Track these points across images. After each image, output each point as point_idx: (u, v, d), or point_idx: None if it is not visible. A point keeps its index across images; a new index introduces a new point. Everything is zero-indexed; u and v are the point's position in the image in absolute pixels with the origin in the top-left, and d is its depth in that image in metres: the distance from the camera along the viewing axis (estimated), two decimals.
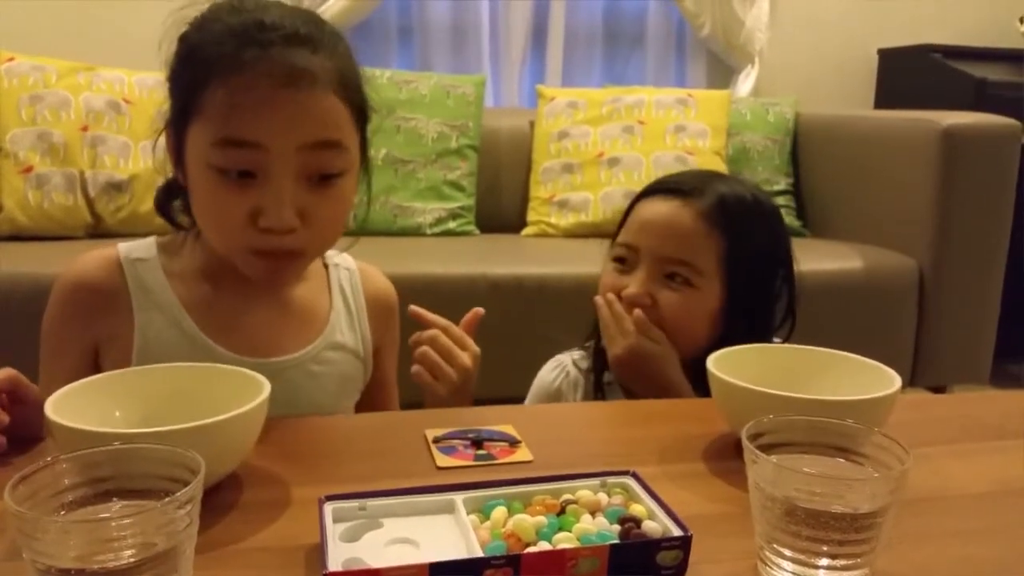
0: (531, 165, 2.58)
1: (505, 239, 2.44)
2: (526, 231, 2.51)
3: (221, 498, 0.64)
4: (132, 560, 0.45)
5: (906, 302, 2.20)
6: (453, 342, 0.96)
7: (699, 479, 0.72)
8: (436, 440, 0.78)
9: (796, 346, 0.86)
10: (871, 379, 0.75)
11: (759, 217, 1.08)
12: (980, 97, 2.70)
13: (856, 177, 2.47)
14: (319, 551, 0.55)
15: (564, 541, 0.55)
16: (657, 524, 0.57)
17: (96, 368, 0.90)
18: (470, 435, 0.79)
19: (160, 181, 0.95)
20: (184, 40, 0.85)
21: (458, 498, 0.60)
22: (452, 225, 2.42)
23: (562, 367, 1.19)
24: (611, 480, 0.64)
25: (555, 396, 1.17)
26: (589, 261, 2.05)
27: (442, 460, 0.73)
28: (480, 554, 0.53)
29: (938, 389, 2.31)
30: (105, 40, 2.49)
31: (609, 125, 2.55)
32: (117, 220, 2.13)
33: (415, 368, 0.96)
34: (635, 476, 0.64)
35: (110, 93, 2.19)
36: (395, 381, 1.09)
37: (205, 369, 0.75)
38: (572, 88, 2.88)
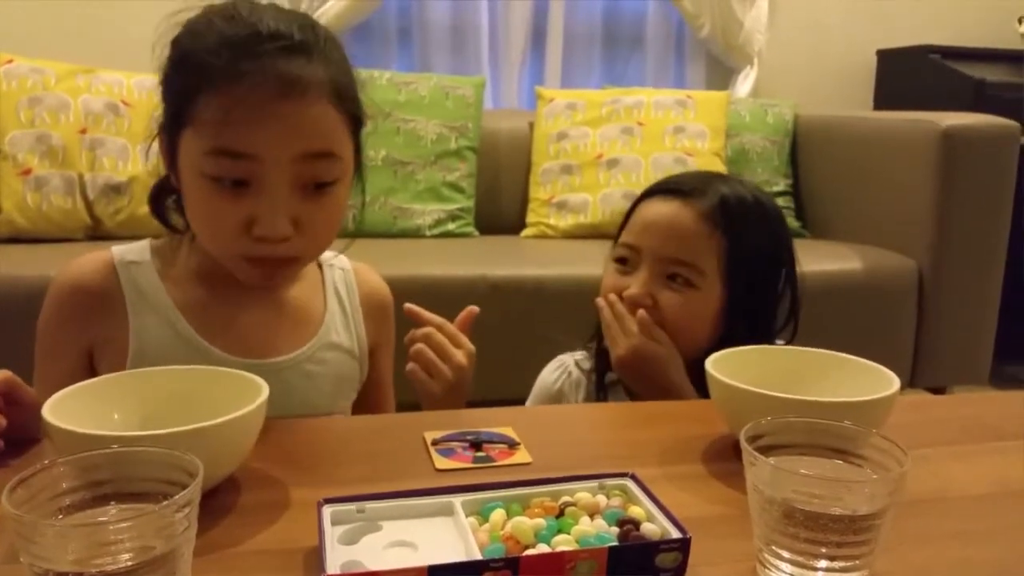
0: (530, 166, 2.58)
1: (504, 240, 2.44)
2: (525, 232, 2.51)
3: (219, 501, 0.64)
4: (130, 563, 0.45)
5: (905, 303, 2.20)
6: (448, 340, 0.96)
7: (698, 481, 0.72)
8: (435, 442, 0.77)
9: (795, 347, 0.86)
10: (870, 380, 0.75)
11: (760, 218, 1.08)
12: (979, 98, 2.70)
13: (855, 178, 2.47)
14: (318, 554, 0.55)
15: (563, 543, 0.55)
16: (656, 526, 0.57)
17: (91, 371, 0.90)
18: (469, 437, 0.79)
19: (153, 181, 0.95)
20: (177, 44, 0.85)
21: (457, 500, 0.60)
22: (451, 227, 2.42)
23: (564, 367, 1.19)
24: (610, 482, 0.63)
25: (557, 397, 1.17)
26: (588, 262, 2.07)
27: (441, 462, 0.73)
28: (479, 556, 0.53)
29: (937, 390, 2.30)
30: (104, 42, 2.49)
31: (608, 126, 2.55)
32: (116, 222, 2.12)
33: (410, 366, 0.95)
34: (634, 478, 0.64)
35: (109, 95, 2.19)
36: (391, 380, 1.09)
37: (203, 371, 0.74)
38: (571, 89, 2.89)
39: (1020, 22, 3.08)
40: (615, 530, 0.57)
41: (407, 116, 2.43)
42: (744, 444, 0.55)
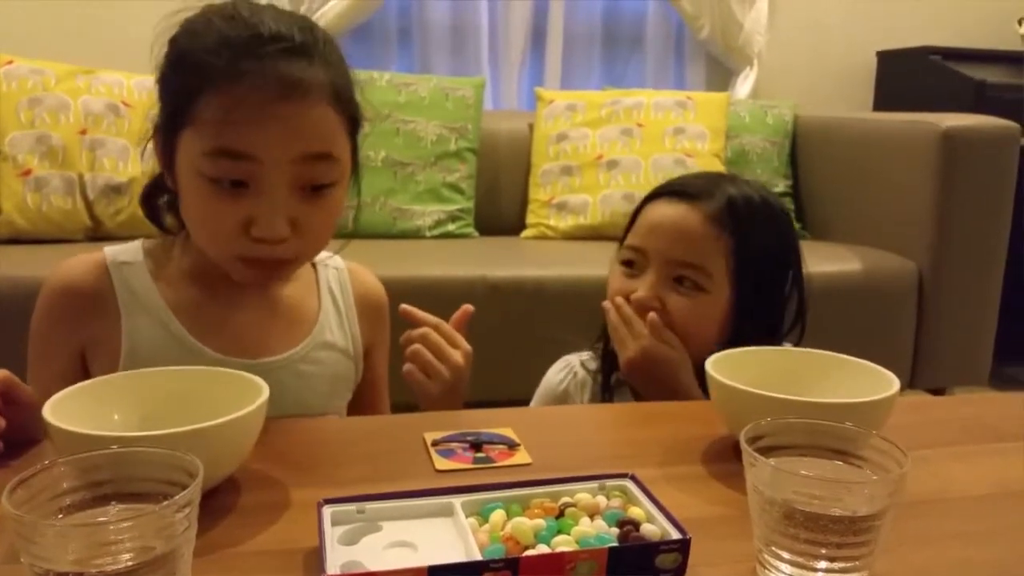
0: (530, 167, 2.58)
1: (504, 241, 2.44)
2: (525, 233, 2.51)
3: (219, 501, 0.64)
4: (130, 564, 0.45)
5: (905, 304, 2.21)
6: (444, 340, 0.96)
7: (698, 482, 0.72)
8: (435, 443, 0.77)
9: (795, 348, 0.87)
10: (870, 381, 0.75)
11: (768, 218, 1.07)
12: (979, 99, 2.70)
13: (855, 179, 2.47)
14: (318, 554, 0.55)
15: (563, 544, 0.55)
16: (656, 527, 0.57)
17: (84, 372, 0.90)
18: (469, 438, 0.79)
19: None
20: (175, 44, 0.85)
21: (456, 501, 0.60)
22: (451, 227, 2.43)
23: (570, 368, 1.18)
24: (610, 483, 0.63)
25: (562, 397, 1.17)
26: (588, 263, 2.08)
27: (441, 463, 0.73)
28: (479, 557, 0.53)
29: (937, 391, 2.30)
30: (104, 43, 2.49)
31: (608, 127, 2.55)
32: (116, 223, 2.12)
33: (407, 367, 0.95)
34: (634, 479, 0.64)
35: (109, 96, 2.19)
36: (386, 380, 1.09)
37: (203, 372, 0.75)
38: (571, 91, 2.89)
39: (1020, 23, 3.08)
40: (615, 531, 0.57)
41: (407, 117, 2.43)
42: (744, 445, 0.55)
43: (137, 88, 2.22)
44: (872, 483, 0.56)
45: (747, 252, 1.03)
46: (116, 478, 0.52)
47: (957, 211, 2.16)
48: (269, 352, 0.92)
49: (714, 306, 1.04)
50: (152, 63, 0.86)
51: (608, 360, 1.12)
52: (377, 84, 2.43)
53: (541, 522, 0.57)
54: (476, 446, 0.77)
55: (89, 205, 2.11)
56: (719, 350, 0.83)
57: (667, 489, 0.67)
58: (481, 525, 0.58)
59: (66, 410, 0.63)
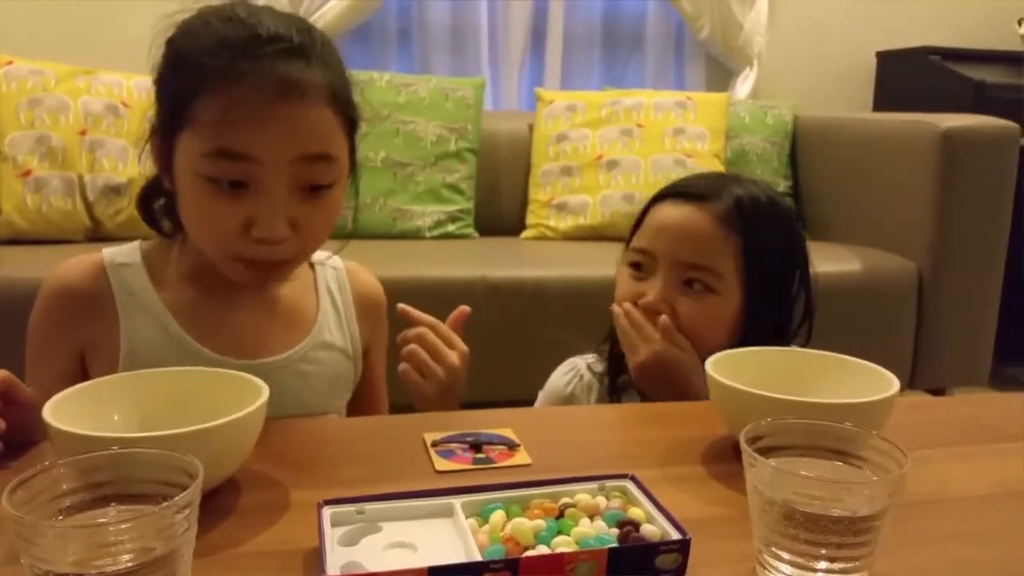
0: (530, 168, 2.58)
1: (504, 242, 2.44)
2: (525, 234, 2.51)
3: (219, 502, 0.64)
4: (130, 564, 0.45)
5: (905, 304, 2.21)
6: (441, 340, 0.96)
7: (698, 482, 0.72)
8: (435, 444, 0.77)
9: (794, 349, 0.87)
10: (869, 382, 0.75)
11: (774, 218, 1.07)
12: (979, 99, 2.70)
13: (855, 180, 2.47)
14: (318, 555, 0.55)
15: (562, 545, 0.55)
16: (655, 527, 0.57)
17: (83, 373, 0.90)
18: (469, 438, 0.79)
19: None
20: (172, 45, 0.85)
21: (456, 502, 0.60)
22: (451, 228, 2.43)
23: (576, 371, 1.18)
24: (609, 483, 0.63)
25: (568, 400, 1.16)
26: (588, 264, 2.08)
27: (440, 464, 0.73)
28: (478, 558, 0.53)
29: (937, 391, 2.31)
30: (104, 44, 2.49)
31: (608, 128, 2.55)
32: (116, 224, 2.13)
33: (402, 367, 0.95)
34: (633, 479, 0.64)
35: (109, 97, 2.19)
36: (384, 380, 1.09)
37: (203, 373, 0.75)
38: (571, 91, 2.89)
39: (1020, 23, 3.08)
40: (615, 531, 0.57)
41: (407, 118, 2.43)
42: (744, 445, 0.55)
43: (137, 89, 2.23)
44: (872, 483, 0.56)
45: (755, 252, 1.03)
46: (116, 479, 0.52)
47: (957, 211, 2.16)
48: (268, 353, 0.92)
49: (724, 308, 1.03)
50: (150, 64, 0.86)
51: (614, 363, 1.12)
52: (377, 85, 2.43)
53: (541, 523, 0.57)
54: (476, 447, 0.77)
55: (89, 206, 2.11)
56: None
57: (667, 490, 0.67)
58: (481, 526, 0.58)
59: (66, 411, 0.63)
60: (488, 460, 0.75)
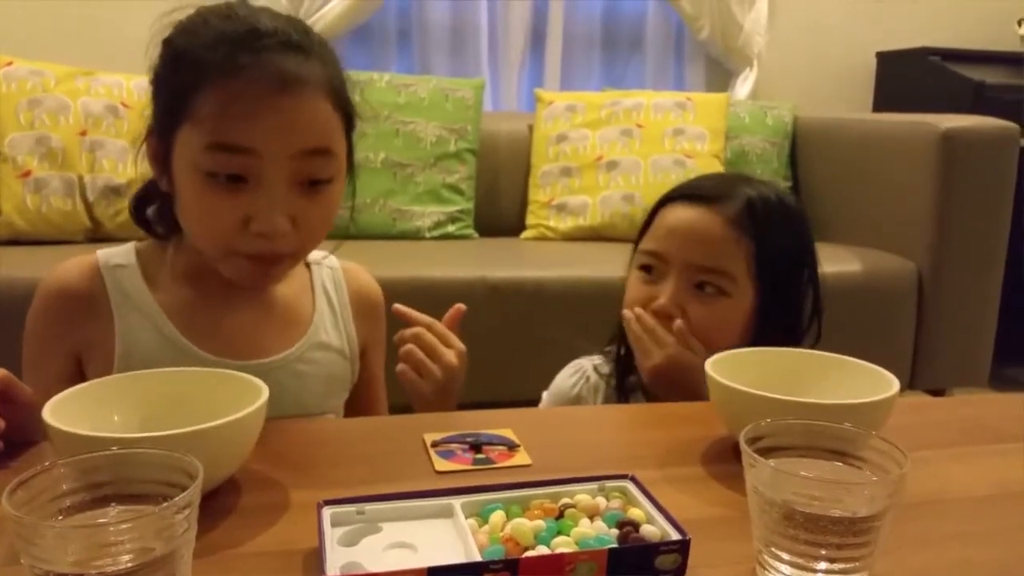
0: (530, 168, 2.58)
1: (504, 243, 2.44)
2: (525, 234, 2.52)
3: (219, 502, 0.64)
4: (130, 565, 0.45)
5: (905, 305, 2.21)
6: (438, 339, 0.96)
7: (697, 483, 0.72)
8: (435, 444, 0.77)
9: (794, 349, 0.86)
10: (869, 382, 0.75)
11: (785, 218, 1.07)
12: (978, 100, 2.70)
13: (855, 180, 2.47)
14: (317, 555, 0.55)
15: (562, 545, 0.55)
16: (655, 528, 0.57)
17: (80, 374, 0.90)
18: (468, 439, 0.79)
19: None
20: (170, 44, 0.85)
21: (456, 502, 0.60)
22: (451, 229, 2.43)
23: (582, 372, 1.17)
24: (609, 484, 0.63)
25: (575, 402, 1.16)
26: (588, 264, 2.08)
27: (440, 464, 0.73)
28: (478, 558, 0.53)
29: (937, 392, 2.31)
30: (103, 44, 2.49)
31: (607, 128, 2.55)
32: (116, 224, 2.13)
33: (400, 367, 0.95)
34: (633, 480, 0.64)
35: (108, 97, 2.19)
36: (383, 379, 1.09)
37: (203, 373, 0.75)
38: (571, 92, 2.89)
39: (1019, 24, 3.08)
40: (615, 532, 0.57)
41: (406, 118, 2.43)
42: (744, 446, 0.55)
43: (137, 89, 2.23)
44: (872, 484, 0.56)
45: (767, 254, 1.02)
46: (116, 479, 0.52)
47: (957, 212, 2.17)
48: (264, 353, 0.92)
49: (736, 310, 1.03)
50: (147, 64, 0.86)
51: (621, 364, 1.12)
52: (377, 85, 2.43)
53: (541, 523, 0.57)
54: (476, 447, 0.77)
55: (89, 206, 2.11)
56: None
57: (667, 490, 0.67)
58: (481, 526, 0.58)
59: (66, 412, 0.63)
60: (488, 460, 0.75)
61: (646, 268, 1.07)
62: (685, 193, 1.07)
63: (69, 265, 0.92)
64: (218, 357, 0.89)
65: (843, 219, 2.49)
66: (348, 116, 0.89)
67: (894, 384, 0.74)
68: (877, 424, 0.70)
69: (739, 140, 2.66)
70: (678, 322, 1.00)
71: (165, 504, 0.46)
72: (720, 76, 3.14)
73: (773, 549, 0.54)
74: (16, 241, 2.05)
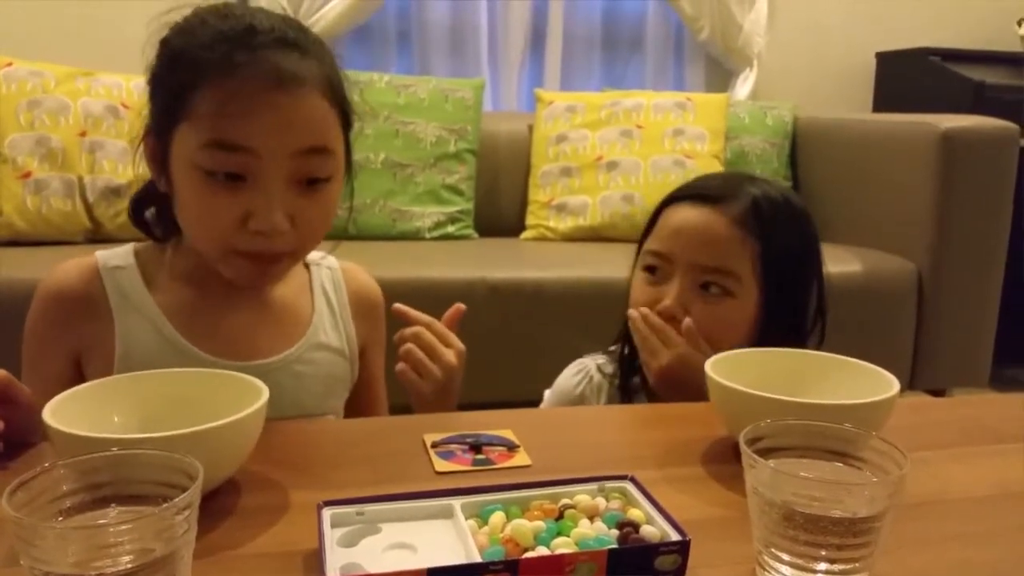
0: (530, 169, 2.58)
1: (504, 243, 2.44)
2: (525, 235, 2.52)
3: (219, 503, 0.64)
4: (130, 566, 0.45)
5: (905, 305, 2.21)
6: (438, 339, 0.96)
7: (697, 483, 0.72)
8: (434, 445, 0.77)
9: (794, 350, 0.86)
10: (869, 383, 0.75)
11: (790, 218, 1.06)
12: (978, 100, 2.71)
13: (855, 180, 2.47)
14: (317, 556, 0.55)
15: (562, 546, 0.55)
16: (655, 529, 0.57)
17: (79, 376, 0.90)
18: (468, 439, 0.79)
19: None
20: (167, 44, 0.85)
21: (456, 503, 0.60)
22: (451, 229, 2.43)
23: (585, 372, 1.17)
24: (609, 485, 0.63)
25: (578, 402, 1.15)
26: (588, 264, 2.08)
27: (440, 465, 0.73)
28: (478, 559, 0.53)
29: (937, 392, 2.31)
30: (103, 45, 2.49)
31: (607, 129, 2.55)
32: (116, 225, 2.13)
33: (399, 366, 0.95)
34: (633, 480, 0.64)
35: (108, 98, 2.19)
36: (383, 380, 1.09)
37: (203, 374, 0.75)
38: (570, 92, 2.89)
39: (1019, 24, 3.08)
40: (614, 532, 0.57)
41: (406, 119, 2.43)
42: (743, 447, 0.55)
43: (136, 90, 2.22)
44: (872, 485, 0.56)
45: (772, 254, 1.02)
46: (116, 480, 0.52)
47: (957, 212, 2.17)
48: (263, 354, 0.92)
49: (741, 311, 1.02)
50: (144, 64, 0.87)
51: (626, 364, 1.12)
52: (376, 86, 2.43)
53: (541, 524, 0.57)
54: (476, 448, 0.77)
55: (89, 207, 2.11)
56: None
57: (667, 491, 0.67)
58: (481, 527, 0.58)
59: (66, 412, 0.63)
60: (488, 461, 0.75)
61: (650, 269, 1.06)
62: (690, 193, 1.07)
63: (68, 267, 0.92)
64: (217, 358, 0.89)
65: (843, 219, 2.49)
66: (345, 115, 0.89)
67: (894, 384, 0.74)
68: (877, 424, 0.70)
69: (739, 140, 2.67)
70: (687, 321, 0.99)
71: (165, 505, 0.46)
72: (720, 76, 3.14)
73: (773, 550, 0.54)
74: (16, 242, 2.04)
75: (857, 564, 0.53)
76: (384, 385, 1.10)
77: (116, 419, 0.69)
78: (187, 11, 0.86)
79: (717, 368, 0.77)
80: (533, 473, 0.73)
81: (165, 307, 0.91)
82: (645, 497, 0.61)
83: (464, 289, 1.91)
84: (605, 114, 2.58)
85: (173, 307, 0.91)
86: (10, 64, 2.14)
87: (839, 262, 2.18)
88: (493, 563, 0.52)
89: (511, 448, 0.78)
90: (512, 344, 1.94)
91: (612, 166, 2.50)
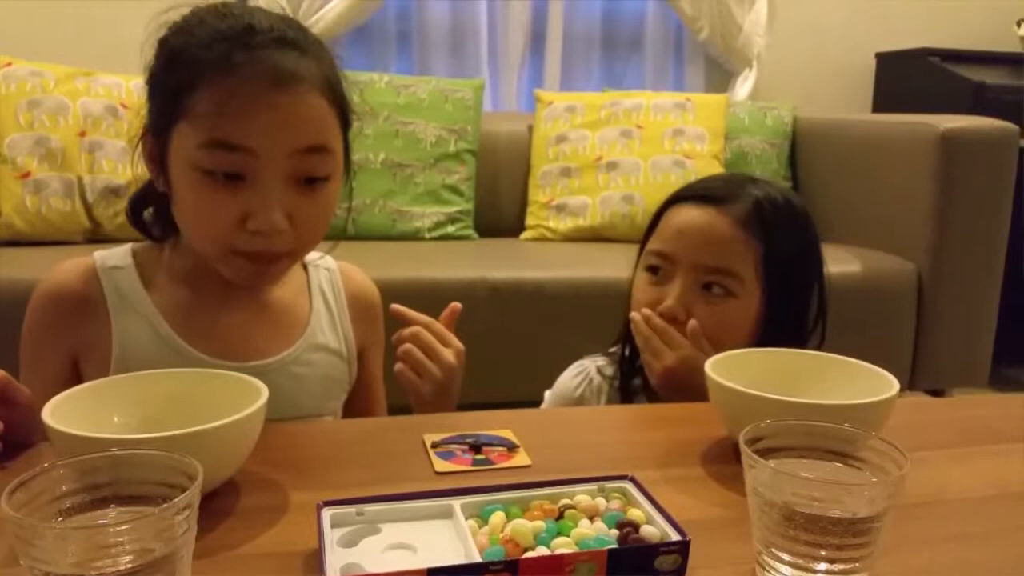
0: (529, 169, 2.58)
1: (504, 243, 2.44)
2: (525, 235, 2.52)
3: (219, 504, 0.64)
4: (130, 566, 0.45)
5: (905, 305, 2.21)
6: (436, 339, 0.96)
7: (697, 483, 0.72)
8: (434, 445, 0.77)
9: (794, 350, 0.86)
10: (869, 383, 0.75)
11: (793, 220, 1.06)
12: (978, 101, 2.71)
13: (854, 181, 2.47)
14: (317, 557, 0.55)
15: (562, 546, 0.55)
16: (655, 529, 0.57)
17: (76, 376, 0.90)
18: (468, 440, 0.79)
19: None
20: (165, 44, 0.85)
21: (456, 503, 0.60)
22: (451, 229, 2.43)
23: (585, 374, 1.17)
24: (609, 485, 0.63)
25: (577, 403, 1.15)
26: (588, 265, 2.08)
27: (440, 465, 0.73)
28: (478, 559, 0.53)
29: (937, 392, 2.31)
30: (103, 45, 2.49)
31: (607, 129, 2.55)
32: (115, 225, 2.13)
33: (398, 367, 0.95)
34: (633, 481, 0.64)
35: (108, 98, 2.19)
36: (382, 380, 1.09)
37: (203, 374, 0.75)
38: (570, 92, 2.89)
39: (1019, 25, 3.08)
40: (614, 532, 0.57)
41: (406, 119, 2.43)
42: (743, 447, 0.55)
43: (136, 90, 2.22)
44: (872, 485, 0.56)
45: (775, 254, 1.02)
46: (116, 480, 0.52)
47: (956, 212, 2.16)
48: (260, 355, 0.92)
49: (743, 311, 1.02)
50: (142, 64, 0.86)
51: (627, 366, 1.12)
52: (376, 86, 2.43)
53: (541, 524, 0.57)
54: (475, 448, 0.77)
55: (88, 207, 2.11)
56: None
57: (667, 491, 0.67)
58: (481, 527, 0.58)
59: (66, 412, 0.63)
60: (488, 461, 0.75)
61: (652, 269, 1.07)
62: (692, 194, 1.07)
63: (66, 267, 0.92)
64: (214, 358, 0.89)
65: (843, 219, 2.49)
66: (344, 114, 0.89)
67: (894, 385, 0.74)
68: (877, 425, 0.70)
69: (739, 141, 2.67)
70: (692, 322, 0.99)
71: (165, 505, 0.46)
72: (720, 77, 3.14)
73: (773, 550, 0.54)
74: (16, 242, 2.05)
75: (857, 564, 0.53)
76: (383, 386, 1.09)
77: (116, 419, 0.69)
78: (185, 10, 0.86)
79: (717, 368, 0.77)
80: (533, 473, 0.73)
81: (163, 308, 0.91)
82: (645, 497, 0.61)
83: (464, 289, 1.91)
84: (605, 114, 2.58)
85: (171, 308, 0.91)
86: (10, 64, 2.14)
87: (839, 262, 2.18)
88: (493, 563, 0.52)
89: (511, 448, 0.78)
90: (512, 344, 1.94)
91: (612, 166, 2.50)
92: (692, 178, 1.14)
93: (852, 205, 2.48)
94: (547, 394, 1.22)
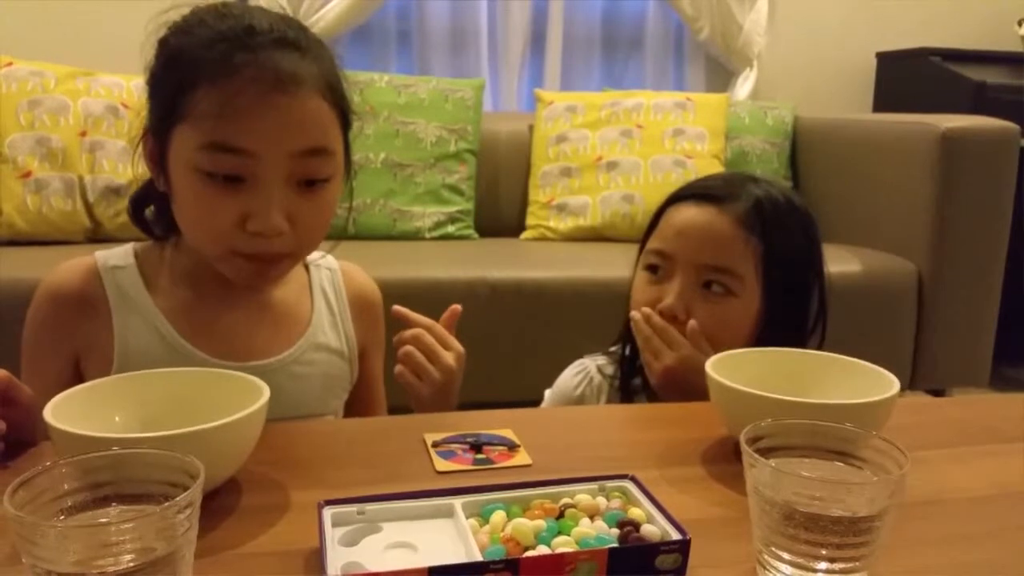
0: (530, 169, 2.59)
1: (504, 243, 2.44)
2: (525, 235, 2.52)
3: (220, 503, 0.64)
4: (131, 565, 0.45)
5: (905, 305, 2.21)
6: (437, 341, 0.96)
7: (698, 483, 0.72)
8: (435, 444, 0.78)
9: (794, 349, 0.86)
10: (869, 383, 0.75)
11: (794, 219, 1.06)
12: (979, 100, 2.70)
13: (855, 180, 2.47)
14: (318, 555, 0.55)
15: (563, 545, 0.55)
16: (656, 528, 0.57)
17: (78, 376, 0.90)
18: (469, 439, 0.79)
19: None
20: (165, 44, 0.85)
21: (457, 502, 0.60)
22: (451, 229, 2.43)
23: (586, 373, 1.17)
24: (610, 484, 0.64)
25: (578, 402, 1.15)
26: (588, 264, 2.08)
27: (441, 464, 0.74)
28: (479, 558, 0.53)
29: (937, 392, 2.31)
30: (103, 45, 2.49)
31: (607, 129, 2.55)
32: (116, 225, 2.13)
33: (398, 368, 0.95)
34: (634, 480, 0.64)
35: (108, 98, 2.19)
36: (382, 380, 1.09)
37: (204, 374, 0.75)
38: (570, 92, 2.89)
39: (1020, 24, 3.08)
40: (615, 532, 0.57)
41: (406, 119, 2.43)
42: (744, 446, 0.55)
43: (136, 90, 2.22)
44: (872, 484, 0.56)
45: (775, 253, 1.02)
46: (117, 479, 0.52)
47: (957, 212, 2.16)
48: (261, 355, 0.92)
49: (743, 310, 1.02)
50: (142, 64, 0.86)
51: (627, 366, 1.12)
52: (376, 86, 2.43)
53: (541, 523, 0.57)
54: (476, 447, 0.77)
55: (89, 207, 2.12)
56: None
57: (667, 490, 0.67)
58: (481, 526, 0.58)
59: (67, 412, 0.63)
60: (488, 461, 0.75)
61: (652, 268, 1.06)
62: (693, 193, 1.07)
63: (67, 267, 0.92)
64: (216, 358, 0.89)
65: (843, 219, 2.49)
66: (345, 115, 0.89)
67: (894, 384, 0.74)
68: (877, 424, 0.70)
69: (739, 140, 2.67)
70: (692, 323, 0.99)
71: (166, 504, 0.46)
72: (720, 76, 3.14)
73: (773, 549, 0.54)
74: (16, 242, 2.05)
75: (857, 563, 0.53)
76: (383, 386, 1.09)
77: (117, 418, 0.69)
78: (185, 10, 0.86)
79: (717, 368, 0.77)
80: (534, 472, 0.73)
81: (164, 307, 0.91)
82: (646, 496, 0.61)
83: (464, 289, 1.91)
84: (605, 114, 2.58)
85: (172, 307, 0.91)
86: (10, 64, 2.14)
87: (839, 262, 2.18)
88: (494, 562, 0.52)
89: (511, 448, 0.78)
90: (512, 344, 1.94)
91: (612, 166, 2.50)
92: (692, 178, 1.14)
93: (852, 205, 2.48)
94: (547, 393, 1.22)
